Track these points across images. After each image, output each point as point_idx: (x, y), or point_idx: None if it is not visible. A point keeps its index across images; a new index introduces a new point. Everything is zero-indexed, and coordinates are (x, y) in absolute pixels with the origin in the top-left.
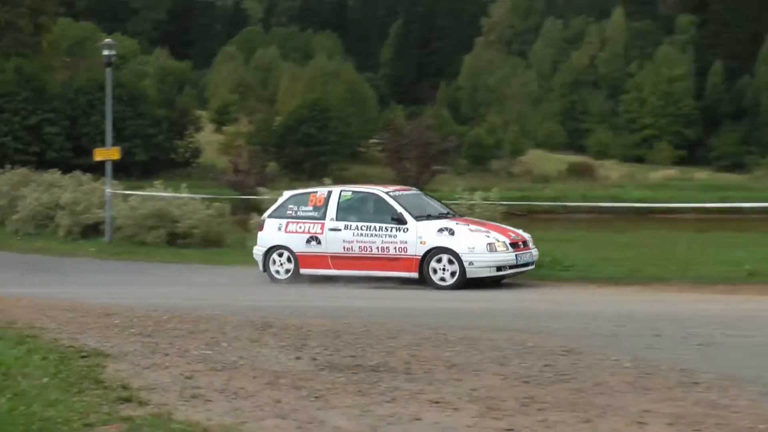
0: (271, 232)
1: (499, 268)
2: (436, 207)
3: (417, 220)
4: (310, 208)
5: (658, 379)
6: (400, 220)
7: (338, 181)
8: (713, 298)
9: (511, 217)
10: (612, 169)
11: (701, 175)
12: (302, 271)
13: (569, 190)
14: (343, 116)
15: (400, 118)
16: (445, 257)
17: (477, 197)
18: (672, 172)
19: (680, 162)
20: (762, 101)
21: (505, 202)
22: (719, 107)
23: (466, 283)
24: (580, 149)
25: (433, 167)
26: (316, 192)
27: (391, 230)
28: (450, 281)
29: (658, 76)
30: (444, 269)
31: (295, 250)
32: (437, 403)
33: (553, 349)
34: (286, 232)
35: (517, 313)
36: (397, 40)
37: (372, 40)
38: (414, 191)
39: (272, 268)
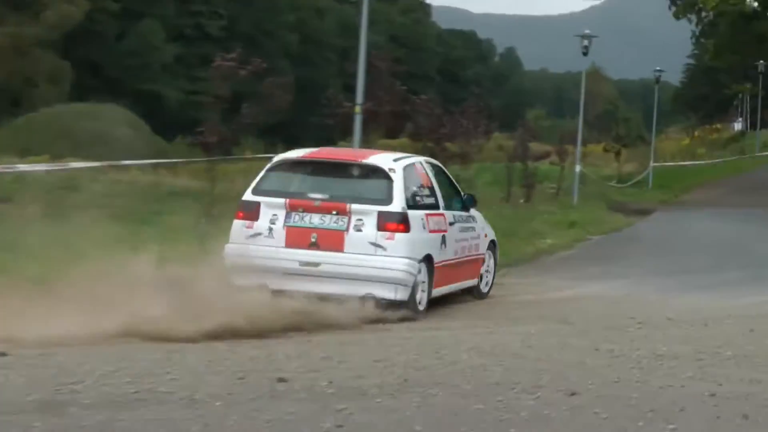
0: (419, 234)
1: None
2: None
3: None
4: (426, 190)
5: None
6: (467, 206)
7: None
8: None
9: None
10: None
11: None
12: (435, 291)
13: None
14: None
15: None
16: (489, 252)
17: None
18: None
19: None
20: None
21: None
22: None
23: None
24: None
25: None
26: (414, 163)
27: (469, 221)
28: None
29: None
30: (488, 269)
31: (435, 259)
32: None
33: None
34: (429, 231)
35: None
36: None
37: None
38: None
39: (418, 291)
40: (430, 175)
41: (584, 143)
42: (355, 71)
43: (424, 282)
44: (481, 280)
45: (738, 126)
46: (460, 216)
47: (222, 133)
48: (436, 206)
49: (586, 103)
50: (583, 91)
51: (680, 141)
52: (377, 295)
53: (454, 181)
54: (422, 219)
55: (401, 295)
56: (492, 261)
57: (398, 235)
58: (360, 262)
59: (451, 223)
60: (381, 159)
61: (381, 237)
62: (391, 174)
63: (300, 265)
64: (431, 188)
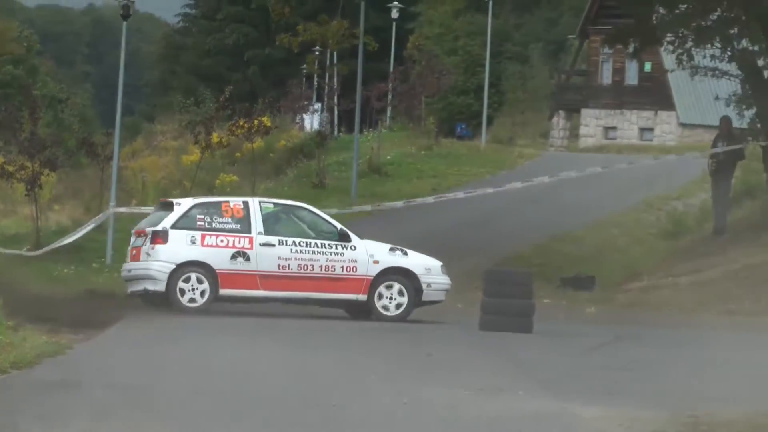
0: (180, 246)
1: (447, 292)
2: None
3: (360, 238)
4: (228, 219)
5: None
6: (345, 237)
7: None
8: None
9: None
10: None
11: None
12: (223, 291)
13: None
14: None
15: None
16: (397, 278)
17: None
18: None
19: None
20: None
21: None
22: None
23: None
24: None
25: None
26: (228, 201)
27: (336, 247)
28: (403, 307)
29: None
30: (401, 292)
31: (215, 267)
32: None
33: None
34: (203, 245)
35: None
36: None
37: None
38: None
39: (185, 291)
40: (252, 211)
41: None
42: None
43: (197, 284)
44: (378, 300)
45: (312, 121)
46: (322, 244)
47: None
48: (241, 231)
49: None
50: None
51: (179, 153)
52: (149, 287)
53: (329, 220)
54: (192, 236)
55: (160, 286)
56: (396, 286)
57: (158, 246)
58: (141, 266)
59: (269, 245)
60: (182, 199)
61: (150, 248)
62: (176, 206)
63: (126, 272)
64: (241, 219)
